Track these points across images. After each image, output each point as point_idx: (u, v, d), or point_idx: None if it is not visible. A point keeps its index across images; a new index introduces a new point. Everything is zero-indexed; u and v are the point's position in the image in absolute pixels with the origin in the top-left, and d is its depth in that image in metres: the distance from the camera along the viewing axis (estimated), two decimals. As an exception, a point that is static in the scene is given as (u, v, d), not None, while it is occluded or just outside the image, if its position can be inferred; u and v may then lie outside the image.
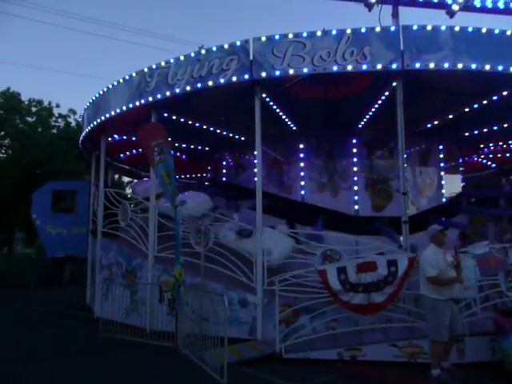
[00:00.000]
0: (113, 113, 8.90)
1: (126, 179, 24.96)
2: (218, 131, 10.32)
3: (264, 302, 6.89)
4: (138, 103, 8.27)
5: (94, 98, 9.86)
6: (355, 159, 10.01)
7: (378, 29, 6.90)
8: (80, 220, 11.48)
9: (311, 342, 6.31)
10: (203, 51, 7.56)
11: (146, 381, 5.61)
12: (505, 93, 7.78)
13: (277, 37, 7.02)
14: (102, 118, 9.27)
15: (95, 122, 9.61)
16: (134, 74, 8.45)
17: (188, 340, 6.56)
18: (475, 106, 8.52)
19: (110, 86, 9.12)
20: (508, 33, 7.04)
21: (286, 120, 9.45)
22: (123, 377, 5.74)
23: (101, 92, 9.49)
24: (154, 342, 7.04)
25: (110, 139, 10.48)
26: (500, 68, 6.79)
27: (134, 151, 12.02)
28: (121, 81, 8.79)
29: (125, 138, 10.66)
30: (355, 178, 9.94)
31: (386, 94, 7.74)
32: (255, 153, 7.38)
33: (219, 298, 6.06)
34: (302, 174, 10.17)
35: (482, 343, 6.03)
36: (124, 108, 8.58)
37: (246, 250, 7.39)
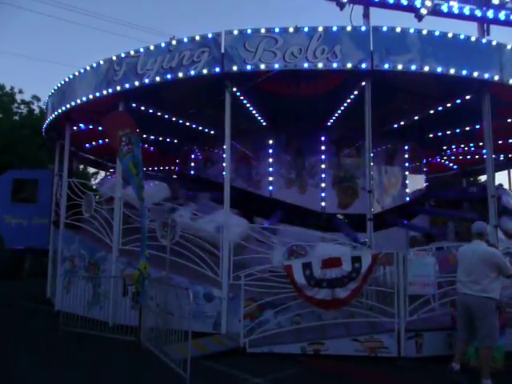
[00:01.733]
0: (79, 101, 8.65)
1: (91, 170, 24.40)
2: (188, 124, 10.22)
3: (229, 297, 6.89)
4: (105, 92, 8.07)
5: (59, 85, 9.55)
6: (323, 156, 10.14)
7: (349, 28, 6.98)
8: (41, 210, 11.15)
9: (275, 337, 6.37)
10: (174, 42, 7.45)
11: (107, 375, 5.52)
12: (468, 97, 8.05)
13: (249, 31, 7.00)
14: (68, 105, 9.00)
15: (60, 110, 9.33)
16: (101, 62, 8.24)
17: (151, 334, 6.49)
18: (439, 108, 8.78)
19: (77, 74, 8.85)
20: (472, 39, 7.30)
21: (256, 115, 9.45)
22: (84, 372, 5.62)
23: (67, 79, 9.20)
24: (116, 336, 6.92)
25: (75, 128, 10.19)
26: (464, 72, 7.01)
27: (100, 141, 11.74)
28: (88, 68, 8.54)
29: (91, 127, 10.39)
30: (323, 175, 10.07)
31: (355, 93, 7.87)
32: (224, 147, 7.36)
33: (184, 292, 6.01)
34: (271, 169, 10.20)
35: (440, 338, 6.24)
36: (90, 96, 8.36)
37: (200, 229, 7.46)
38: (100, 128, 10.22)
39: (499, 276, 5.22)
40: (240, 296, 6.44)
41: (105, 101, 8.23)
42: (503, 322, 5.65)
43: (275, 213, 9.05)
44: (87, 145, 12.06)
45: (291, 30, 6.92)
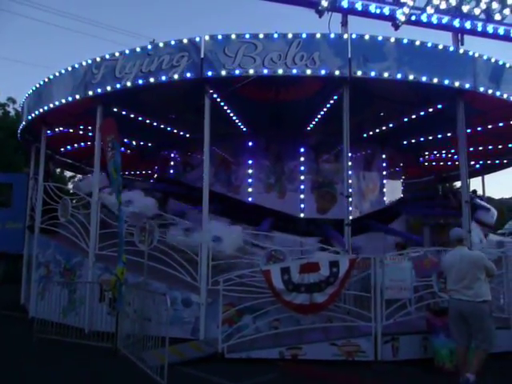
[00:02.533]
0: (56, 103, 8.52)
1: (68, 174, 23.96)
2: (167, 128, 10.17)
3: (208, 302, 6.86)
4: (82, 95, 7.97)
5: (35, 87, 9.38)
6: (302, 162, 10.21)
7: (327, 35, 7.08)
8: (16, 215, 10.89)
9: (254, 342, 6.36)
10: (154, 46, 7.41)
11: (82, 383, 5.41)
12: (443, 105, 8.23)
13: (229, 36, 7.01)
14: (44, 108, 8.84)
15: (36, 113, 9.15)
16: (79, 65, 8.13)
17: (128, 340, 6.40)
18: (416, 115, 8.95)
19: (54, 76, 8.72)
20: (448, 48, 7.48)
21: (236, 120, 9.47)
22: (59, 380, 5.50)
23: (43, 81, 9.05)
24: (92, 343, 6.80)
25: (51, 131, 10.02)
26: (439, 81, 7.18)
27: (77, 145, 11.58)
28: (65, 71, 8.42)
29: (68, 130, 10.24)
30: (302, 180, 10.13)
31: (334, 99, 7.96)
32: (204, 151, 7.34)
33: (162, 298, 5.96)
34: (250, 174, 10.22)
35: (416, 341, 6.33)
36: (68, 99, 8.24)
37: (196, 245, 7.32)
38: (81, 132, 10.13)
39: (486, 278, 5.32)
40: (218, 301, 6.41)
41: (82, 104, 8.14)
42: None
43: (262, 220, 9.05)
44: (64, 148, 11.87)
45: (271, 36, 6.97)
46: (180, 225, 7.78)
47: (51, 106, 8.63)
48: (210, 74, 6.99)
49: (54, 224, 8.97)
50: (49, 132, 9.88)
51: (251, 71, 6.89)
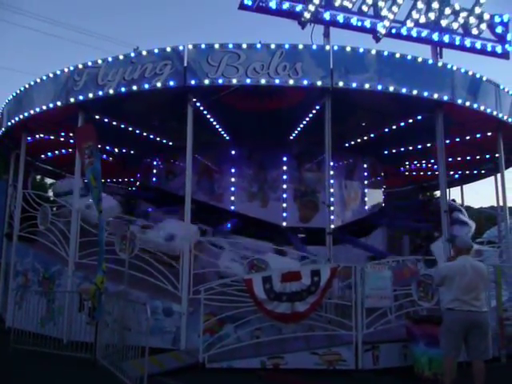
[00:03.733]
0: (37, 110, 8.41)
1: (49, 181, 23.62)
2: (149, 136, 10.13)
3: (189, 311, 6.81)
4: (64, 102, 7.89)
5: (15, 93, 9.26)
6: (285, 170, 10.27)
7: (309, 46, 7.17)
8: (-7, 222, 10.66)
9: (235, 351, 6.33)
10: (137, 54, 7.40)
11: (59, 395, 5.31)
12: (423, 116, 8.39)
13: (212, 46, 7.05)
14: (25, 114, 8.72)
15: (16, 119, 9.02)
16: (61, 71, 8.06)
17: (108, 351, 6.30)
18: (396, 126, 9.11)
19: (35, 82, 8.62)
20: (427, 61, 7.66)
21: (219, 129, 9.49)
22: (34, 391, 5.39)
23: (24, 87, 8.94)
24: (71, 354, 6.67)
25: (32, 138, 9.89)
26: (419, 92, 7.33)
27: (58, 152, 11.44)
28: (47, 77, 8.33)
29: (49, 137, 10.11)
30: (284, 189, 10.18)
31: (316, 109, 8.05)
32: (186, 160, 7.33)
33: (142, 307, 5.90)
34: (233, 182, 10.23)
35: (396, 349, 6.39)
36: (50, 105, 8.15)
37: (150, 241, 7.56)
38: (62, 138, 10.01)
39: None
40: (200, 311, 6.37)
41: (63, 111, 8.06)
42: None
43: (227, 222, 9.10)
44: (45, 155, 11.72)
45: (254, 46, 7.03)
46: (137, 223, 7.95)
47: (32, 112, 8.52)
48: (193, 82, 7.00)
49: (33, 232, 8.82)
50: (29, 138, 9.75)
51: (234, 81, 6.93)
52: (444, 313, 5.34)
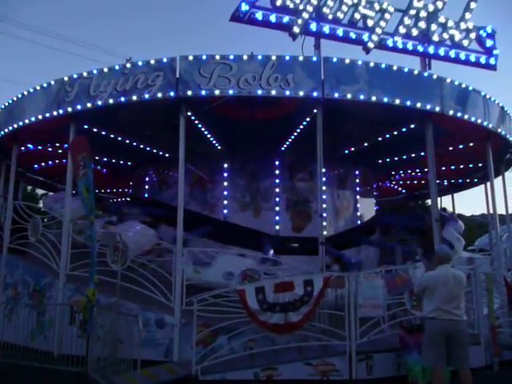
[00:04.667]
0: (27, 121, 8.39)
1: (40, 191, 23.45)
2: (142, 146, 10.13)
3: (182, 323, 6.76)
4: (55, 113, 7.88)
5: (6, 104, 9.23)
6: (277, 180, 10.31)
7: (301, 58, 7.26)
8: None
9: (228, 363, 6.27)
10: (129, 65, 7.43)
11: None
12: (413, 125, 8.49)
13: (204, 57, 7.11)
14: (15, 125, 8.69)
15: (7, 130, 8.99)
16: (52, 82, 8.06)
17: (99, 364, 6.22)
18: (387, 136, 9.20)
19: (26, 93, 8.60)
20: (415, 72, 7.77)
21: (212, 139, 9.51)
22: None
23: (15, 98, 8.91)
24: (61, 368, 6.56)
25: (23, 148, 9.84)
26: (408, 103, 7.44)
27: (49, 162, 11.38)
28: (38, 88, 8.33)
29: (40, 147, 10.07)
30: (277, 199, 10.21)
31: (308, 119, 8.11)
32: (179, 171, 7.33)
33: (134, 319, 5.85)
34: (226, 193, 10.24)
35: (389, 359, 6.36)
36: (40, 117, 8.13)
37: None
38: (50, 149, 9.97)
39: None
40: (193, 322, 6.32)
41: (55, 122, 8.04)
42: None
43: (200, 227, 9.10)
44: (36, 166, 11.65)
45: (245, 57, 7.09)
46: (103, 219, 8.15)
47: (23, 123, 8.49)
48: (185, 93, 7.03)
49: (24, 244, 8.74)
50: (22, 149, 9.71)
51: (226, 92, 6.97)
52: (426, 322, 5.35)
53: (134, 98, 7.20)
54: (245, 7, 8.02)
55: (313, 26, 8.26)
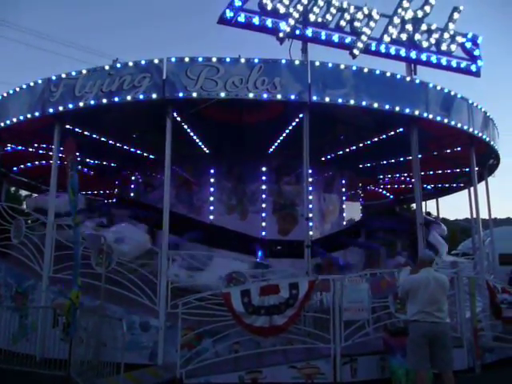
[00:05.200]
0: (12, 121, 8.27)
1: (24, 193, 23.11)
2: (128, 148, 10.06)
3: (166, 326, 6.71)
4: (40, 113, 7.79)
5: (-10, 103, 9.09)
6: (264, 184, 10.31)
7: (288, 62, 7.29)
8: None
9: (213, 366, 6.24)
10: (115, 66, 7.38)
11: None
12: (399, 130, 8.58)
13: (191, 59, 7.09)
14: (-1, 125, 8.57)
15: (-11, 130, 8.85)
16: (37, 82, 7.96)
17: (82, 367, 6.14)
18: (373, 140, 9.28)
19: (10, 92, 8.49)
20: (401, 77, 7.87)
21: (198, 142, 9.49)
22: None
23: (-1, 97, 8.79)
24: (44, 372, 6.46)
25: (7, 149, 9.70)
26: (394, 108, 7.51)
27: (33, 163, 11.24)
28: (22, 87, 8.22)
29: (23, 148, 9.94)
30: (263, 202, 10.21)
31: (295, 123, 8.14)
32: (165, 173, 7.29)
33: (118, 322, 5.79)
34: (212, 196, 10.22)
35: (373, 362, 6.41)
36: (24, 117, 8.03)
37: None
38: (33, 149, 9.85)
39: None
40: (177, 325, 6.28)
41: (39, 122, 7.95)
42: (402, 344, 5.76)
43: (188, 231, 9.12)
44: (19, 166, 11.50)
45: (233, 60, 7.10)
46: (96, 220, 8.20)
47: (6, 123, 8.38)
48: (171, 95, 7.01)
49: (6, 245, 8.60)
50: (5, 149, 9.57)
51: (213, 94, 6.96)
52: (409, 325, 5.41)
53: (120, 99, 7.15)
54: (229, 14, 7.95)
55: (299, 31, 8.30)
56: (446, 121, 8.06)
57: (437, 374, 5.36)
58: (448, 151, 9.96)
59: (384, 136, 9.02)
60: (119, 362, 5.39)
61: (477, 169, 9.39)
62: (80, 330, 6.36)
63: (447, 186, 13.27)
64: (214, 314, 6.38)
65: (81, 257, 6.59)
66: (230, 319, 6.28)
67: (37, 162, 11.23)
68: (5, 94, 8.62)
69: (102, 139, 9.35)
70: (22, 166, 11.53)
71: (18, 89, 8.30)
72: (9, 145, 9.73)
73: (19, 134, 8.93)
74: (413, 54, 8.88)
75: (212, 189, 10.25)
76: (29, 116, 7.93)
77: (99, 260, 7.21)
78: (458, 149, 9.67)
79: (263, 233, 10.02)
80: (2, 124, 8.48)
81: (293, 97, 7.10)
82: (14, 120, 8.19)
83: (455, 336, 6.75)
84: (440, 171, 11.60)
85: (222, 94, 6.97)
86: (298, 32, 8.19)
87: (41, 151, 9.96)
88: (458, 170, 11.39)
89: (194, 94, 6.98)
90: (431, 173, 11.60)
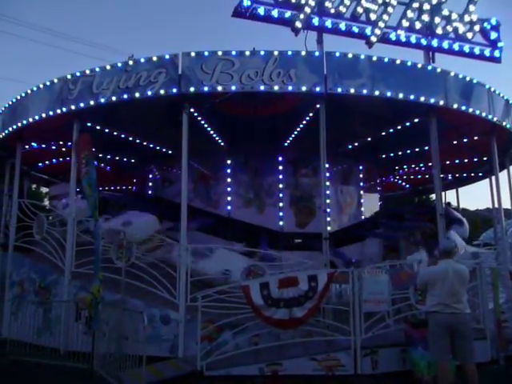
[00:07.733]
0: (31, 119, 8.41)
1: (45, 190, 23.51)
2: (145, 144, 10.13)
3: (186, 319, 6.77)
4: (58, 111, 7.90)
5: (10, 103, 9.26)
6: (281, 176, 10.29)
7: (303, 53, 7.23)
8: (-12, 233, 10.59)
9: (233, 359, 6.28)
10: (131, 62, 7.43)
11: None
12: (416, 120, 8.44)
13: (206, 53, 7.10)
14: (19, 124, 8.72)
15: (11, 129, 9.01)
16: (55, 80, 8.08)
17: (105, 360, 6.26)
18: (391, 130, 9.15)
19: (30, 91, 8.63)
20: (419, 65, 7.71)
21: (215, 136, 9.50)
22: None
23: (18, 97, 8.93)
24: (68, 364, 6.61)
25: (27, 147, 9.88)
26: (412, 97, 7.39)
27: (54, 160, 11.42)
28: (41, 86, 8.35)
29: (44, 146, 10.10)
30: (280, 195, 10.19)
31: (311, 114, 8.08)
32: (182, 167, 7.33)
33: (139, 316, 5.86)
34: (229, 189, 10.24)
35: (394, 354, 6.36)
36: (44, 115, 8.15)
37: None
38: (54, 147, 10.00)
39: None
40: (197, 318, 6.33)
41: (58, 120, 8.06)
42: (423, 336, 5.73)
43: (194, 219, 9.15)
44: (40, 164, 11.69)
45: (247, 53, 7.07)
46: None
47: (26, 121, 8.52)
48: (187, 90, 7.02)
49: (29, 241, 8.78)
50: (26, 147, 9.74)
51: (229, 88, 6.95)
52: (428, 316, 5.38)
53: (137, 95, 7.20)
54: (247, 2, 7.99)
55: (315, 21, 8.23)
56: (465, 109, 7.89)
57: (459, 366, 5.31)
58: (468, 140, 9.75)
59: (402, 126, 8.88)
60: (141, 354, 5.47)
61: (498, 158, 9.17)
62: (102, 323, 6.47)
63: (468, 175, 13.01)
64: (234, 307, 6.42)
65: (101, 251, 6.69)
66: (250, 312, 6.31)
67: (57, 160, 11.39)
68: (24, 94, 8.76)
69: (120, 135, 9.43)
70: (42, 164, 11.73)
71: (37, 87, 8.43)
72: (30, 143, 9.89)
73: (39, 132, 9.07)
74: (434, 42, 8.70)
75: (229, 182, 10.27)
76: (49, 113, 8.04)
77: (119, 254, 7.32)
78: (479, 137, 9.46)
79: (280, 223, 10.00)
80: (23, 123, 8.62)
81: (309, 88, 7.04)
82: (35, 118, 8.31)
83: (478, 328, 6.66)
84: (460, 160, 11.38)
85: (238, 88, 6.95)
86: (315, 22, 8.11)
87: (63, 149, 10.10)
88: (478, 159, 11.16)
89: (210, 88, 6.98)
90: (450, 162, 11.38)
